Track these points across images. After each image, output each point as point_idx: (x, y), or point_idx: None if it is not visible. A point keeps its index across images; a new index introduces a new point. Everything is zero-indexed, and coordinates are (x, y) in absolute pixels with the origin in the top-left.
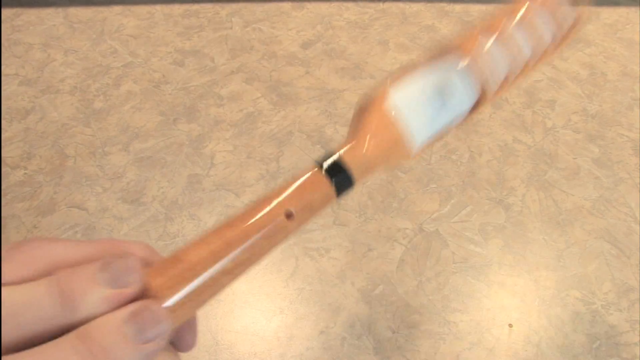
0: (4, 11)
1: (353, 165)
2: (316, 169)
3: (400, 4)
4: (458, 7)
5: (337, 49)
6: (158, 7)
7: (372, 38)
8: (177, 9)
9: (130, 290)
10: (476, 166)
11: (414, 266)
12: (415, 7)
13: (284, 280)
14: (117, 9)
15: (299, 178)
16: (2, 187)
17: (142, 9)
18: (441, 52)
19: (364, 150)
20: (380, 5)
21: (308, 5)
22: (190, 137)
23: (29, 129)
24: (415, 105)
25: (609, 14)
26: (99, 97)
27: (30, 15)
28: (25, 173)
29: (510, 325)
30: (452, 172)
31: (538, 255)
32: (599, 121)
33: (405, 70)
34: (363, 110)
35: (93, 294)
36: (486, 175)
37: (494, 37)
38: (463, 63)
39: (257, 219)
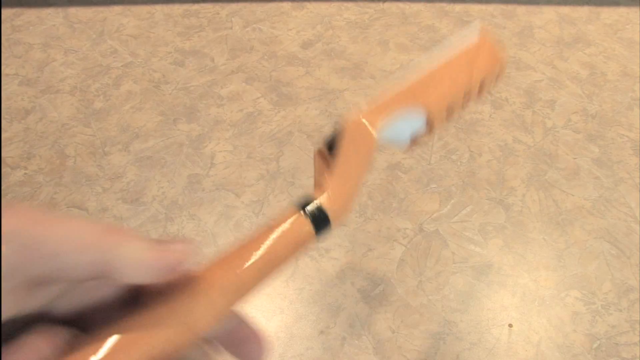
0: (4, 11)
1: (330, 212)
2: (304, 215)
3: (400, 4)
4: (458, 7)
5: (337, 49)
6: (158, 7)
7: (372, 38)
8: (177, 9)
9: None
10: (476, 166)
11: (414, 266)
12: (415, 7)
13: (284, 280)
14: (117, 9)
15: (288, 219)
16: (2, 187)
17: (142, 9)
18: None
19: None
20: (380, 5)
21: (308, 5)
22: (190, 137)
23: (29, 129)
24: (392, 127)
25: (609, 14)
26: (99, 97)
27: (30, 15)
28: (25, 173)
29: (510, 325)
30: (452, 172)
31: (538, 255)
32: (599, 121)
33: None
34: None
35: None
36: (486, 175)
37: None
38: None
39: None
